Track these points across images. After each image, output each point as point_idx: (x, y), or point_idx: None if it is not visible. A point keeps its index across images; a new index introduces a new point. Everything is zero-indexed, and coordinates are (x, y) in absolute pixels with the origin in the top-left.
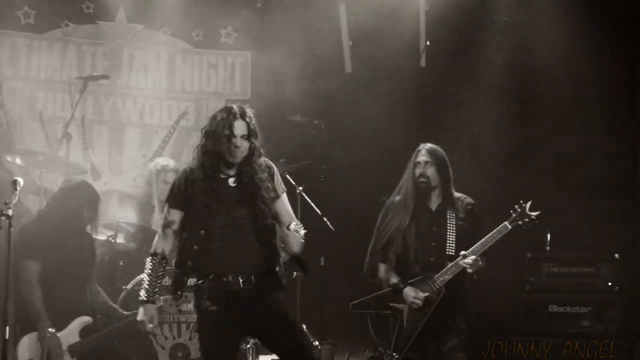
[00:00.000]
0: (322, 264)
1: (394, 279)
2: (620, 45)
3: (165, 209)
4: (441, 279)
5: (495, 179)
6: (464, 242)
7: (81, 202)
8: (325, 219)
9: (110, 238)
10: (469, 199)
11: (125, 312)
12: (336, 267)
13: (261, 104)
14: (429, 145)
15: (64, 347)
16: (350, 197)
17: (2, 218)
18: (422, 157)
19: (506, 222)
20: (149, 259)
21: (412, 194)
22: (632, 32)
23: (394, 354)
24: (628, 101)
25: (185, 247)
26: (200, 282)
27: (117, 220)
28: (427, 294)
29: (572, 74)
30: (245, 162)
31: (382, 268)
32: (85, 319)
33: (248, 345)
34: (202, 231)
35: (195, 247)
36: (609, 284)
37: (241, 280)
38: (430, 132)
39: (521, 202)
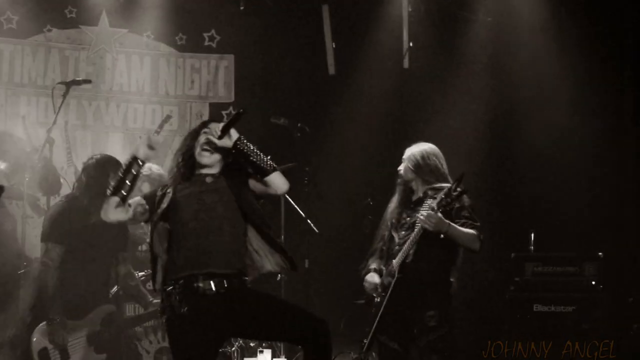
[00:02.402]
0: (306, 266)
1: (370, 266)
2: (606, 43)
3: None
4: (395, 261)
5: (478, 177)
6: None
7: (107, 173)
8: (309, 221)
9: None
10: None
11: (154, 300)
12: (320, 269)
13: (245, 107)
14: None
15: (82, 334)
16: (334, 199)
17: None
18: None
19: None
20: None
21: (396, 192)
22: (617, 29)
23: (364, 340)
24: (614, 98)
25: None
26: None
27: None
28: (385, 279)
29: (555, 73)
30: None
31: (370, 260)
32: (108, 308)
33: (233, 349)
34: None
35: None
36: (593, 282)
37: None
38: (414, 133)
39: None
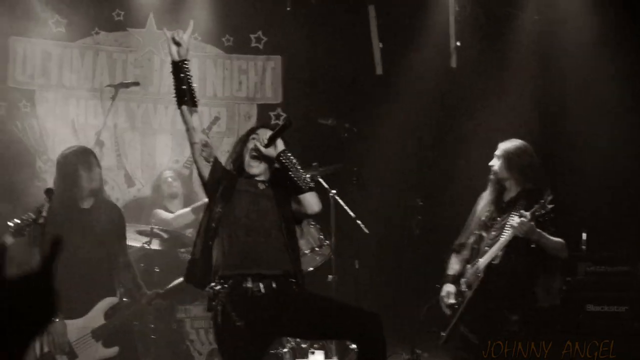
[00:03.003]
0: (356, 267)
1: (450, 271)
2: None
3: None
4: (482, 261)
5: None
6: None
7: (75, 164)
8: (358, 221)
9: (145, 244)
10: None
11: (148, 292)
12: (371, 270)
13: (292, 108)
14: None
15: (88, 331)
16: (383, 199)
17: (35, 225)
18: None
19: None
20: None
21: (488, 187)
22: None
23: (442, 332)
24: None
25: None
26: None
27: (151, 227)
28: (470, 276)
29: (604, 70)
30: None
31: (452, 258)
32: (109, 301)
33: (285, 350)
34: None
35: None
36: None
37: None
38: (461, 133)
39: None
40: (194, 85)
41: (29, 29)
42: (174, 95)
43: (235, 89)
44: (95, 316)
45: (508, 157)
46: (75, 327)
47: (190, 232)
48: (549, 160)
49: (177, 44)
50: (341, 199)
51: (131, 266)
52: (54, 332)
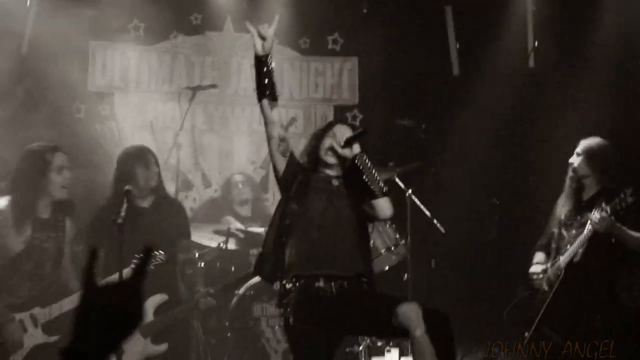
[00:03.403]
0: (432, 266)
1: (534, 268)
2: None
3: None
4: (563, 259)
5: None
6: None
7: (133, 162)
8: (435, 221)
9: (221, 244)
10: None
11: (202, 289)
12: (447, 269)
13: (369, 109)
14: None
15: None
16: (459, 199)
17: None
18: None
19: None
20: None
21: (566, 186)
22: None
23: (526, 332)
24: None
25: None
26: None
27: (227, 227)
28: (552, 275)
29: None
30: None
31: (538, 255)
32: (159, 298)
33: (360, 348)
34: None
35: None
36: None
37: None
38: (539, 132)
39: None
40: (275, 79)
41: (109, 33)
42: (255, 89)
43: (312, 91)
44: (145, 312)
45: (590, 154)
46: None
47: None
48: (630, 158)
49: (262, 37)
50: (417, 198)
51: (191, 265)
52: None
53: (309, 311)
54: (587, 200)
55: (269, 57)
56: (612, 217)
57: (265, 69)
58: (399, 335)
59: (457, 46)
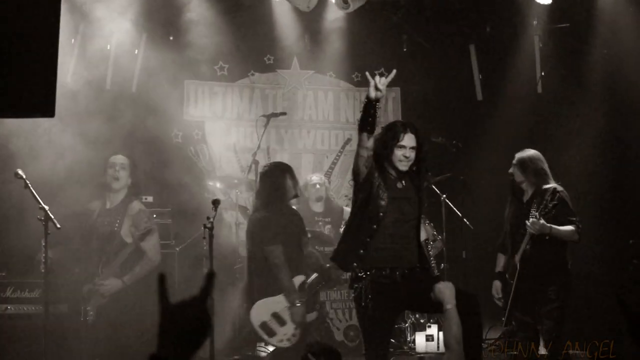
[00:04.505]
0: (464, 256)
1: (497, 269)
2: None
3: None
4: (517, 256)
5: (604, 199)
6: (554, 224)
7: (283, 174)
8: (465, 219)
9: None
10: (558, 189)
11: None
12: (475, 259)
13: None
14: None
15: (287, 303)
16: (484, 201)
17: (206, 230)
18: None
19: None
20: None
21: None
22: None
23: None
24: None
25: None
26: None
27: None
28: (511, 269)
29: None
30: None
31: (498, 257)
32: (300, 278)
33: (406, 325)
34: (374, 225)
35: (368, 239)
36: None
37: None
38: (546, 146)
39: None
40: (379, 118)
41: (199, 73)
42: (360, 121)
43: None
44: (292, 290)
45: (521, 163)
46: (276, 301)
47: (328, 229)
48: (614, 166)
49: (377, 89)
50: (450, 201)
51: (314, 254)
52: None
53: (377, 293)
54: (526, 201)
55: (378, 103)
56: (541, 220)
57: (372, 111)
58: (436, 310)
59: (480, 76)
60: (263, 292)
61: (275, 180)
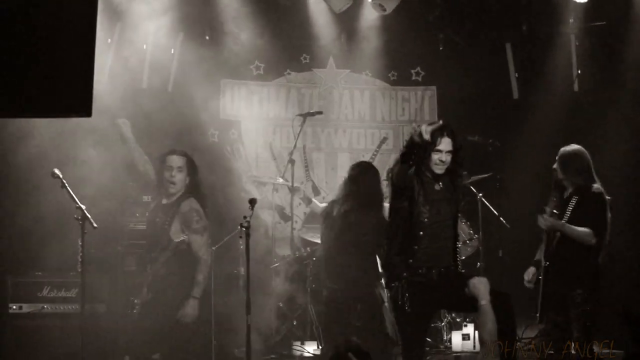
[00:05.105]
0: (500, 255)
1: (535, 257)
2: None
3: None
4: (539, 258)
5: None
6: (575, 224)
7: (376, 176)
8: (501, 218)
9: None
10: (596, 187)
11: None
12: (512, 257)
13: None
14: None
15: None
16: (521, 199)
17: (242, 229)
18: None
19: None
20: None
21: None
22: None
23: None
24: None
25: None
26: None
27: None
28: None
29: None
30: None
31: (540, 248)
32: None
33: (442, 324)
34: (420, 232)
35: (415, 246)
36: None
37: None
38: (584, 142)
39: None
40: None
41: (235, 72)
42: (401, 156)
43: (400, 114)
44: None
45: (563, 159)
46: None
47: None
48: None
49: (421, 136)
50: (487, 200)
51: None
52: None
53: (414, 292)
54: (566, 197)
55: (420, 147)
56: (552, 218)
57: (415, 151)
58: (471, 308)
59: (516, 75)
60: None
61: (375, 182)
